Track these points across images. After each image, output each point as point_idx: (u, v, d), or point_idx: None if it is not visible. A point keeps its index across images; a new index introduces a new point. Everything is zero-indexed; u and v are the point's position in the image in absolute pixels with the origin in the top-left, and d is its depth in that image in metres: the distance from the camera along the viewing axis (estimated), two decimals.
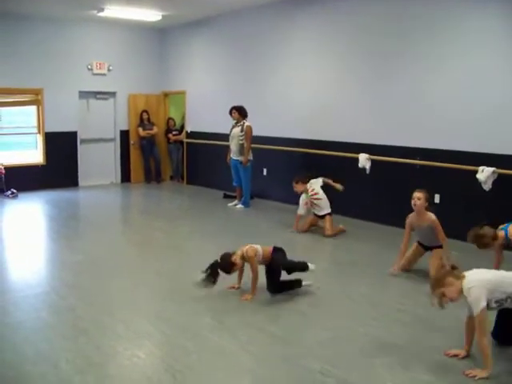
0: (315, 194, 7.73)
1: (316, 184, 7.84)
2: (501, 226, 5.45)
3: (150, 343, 4.14)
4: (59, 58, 11.61)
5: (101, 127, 12.63)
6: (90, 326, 4.44)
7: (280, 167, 10.20)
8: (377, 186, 8.44)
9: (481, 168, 7.00)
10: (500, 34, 6.83)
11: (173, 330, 4.37)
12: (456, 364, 3.80)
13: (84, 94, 12.17)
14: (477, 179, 7.02)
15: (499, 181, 6.90)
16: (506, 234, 5.40)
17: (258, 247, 5.18)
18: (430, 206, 6.01)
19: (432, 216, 5.74)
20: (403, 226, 6.06)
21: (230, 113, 9.63)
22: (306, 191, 7.76)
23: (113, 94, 12.66)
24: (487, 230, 5.13)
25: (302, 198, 7.81)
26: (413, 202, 5.78)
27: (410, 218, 5.90)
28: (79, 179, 12.25)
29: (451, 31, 7.29)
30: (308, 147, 9.51)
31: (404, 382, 3.56)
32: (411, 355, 3.97)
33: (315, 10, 9.17)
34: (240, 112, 9.55)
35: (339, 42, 8.84)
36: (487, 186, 6.97)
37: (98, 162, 12.62)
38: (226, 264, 5.08)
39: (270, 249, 5.26)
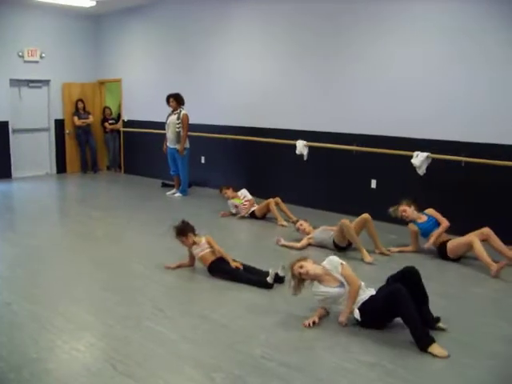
0: (247, 200, 8.13)
1: (247, 193, 8.28)
2: (419, 220, 6.21)
3: (90, 335, 4.08)
4: None
5: (34, 116, 12.25)
6: (26, 321, 4.32)
7: (218, 155, 10.19)
8: (314, 172, 8.55)
9: (415, 153, 7.19)
10: (443, 24, 6.97)
11: (113, 321, 4.32)
12: (395, 344, 3.92)
13: (15, 82, 11.75)
14: (411, 164, 7.21)
15: (433, 165, 7.11)
16: (420, 228, 6.19)
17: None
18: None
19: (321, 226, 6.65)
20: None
21: (168, 101, 9.53)
22: (237, 197, 8.21)
23: (46, 83, 12.29)
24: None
25: (232, 203, 8.20)
26: (300, 230, 6.71)
27: (307, 238, 6.55)
28: (12, 171, 11.86)
29: (395, 19, 7.40)
30: (245, 134, 9.54)
31: (346, 364, 3.63)
32: (352, 338, 4.05)
33: None
34: (177, 100, 9.46)
35: (278, 28, 8.87)
36: (422, 171, 7.17)
37: (32, 153, 12.27)
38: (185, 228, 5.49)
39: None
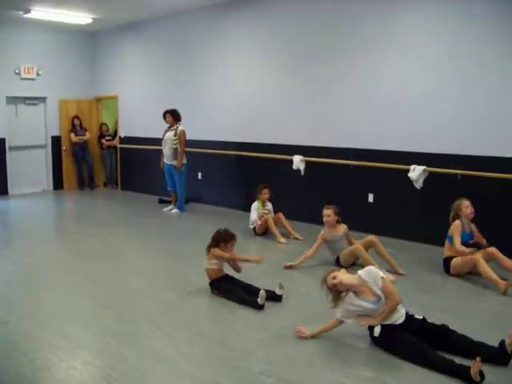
0: (268, 211, 7.95)
1: (270, 206, 8.11)
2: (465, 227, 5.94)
3: (87, 352, 4.04)
4: None
5: (31, 133, 12.27)
6: (22, 340, 4.27)
7: (215, 171, 10.19)
8: (311, 187, 8.54)
9: (412, 167, 7.20)
10: (440, 37, 7.04)
11: (110, 338, 4.28)
12: (397, 358, 3.89)
13: (12, 100, 11.78)
14: (408, 178, 7.21)
15: (430, 179, 7.11)
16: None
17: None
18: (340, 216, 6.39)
19: (344, 225, 6.36)
20: None
21: (164, 117, 9.55)
22: (265, 203, 7.97)
23: (43, 100, 12.32)
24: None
25: (255, 206, 7.96)
26: (324, 219, 6.27)
27: (324, 232, 6.29)
28: (9, 188, 11.85)
29: (391, 32, 7.45)
30: (242, 150, 9.55)
31: (345, 379, 3.60)
32: (352, 353, 4.03)
33: (248, 12, 9.24)
34: (173, 116, 9.49)
35: (274, 43, 8.93)
36: (419, 184, 7.18)
37: (29, 170, 12.26)
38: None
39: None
